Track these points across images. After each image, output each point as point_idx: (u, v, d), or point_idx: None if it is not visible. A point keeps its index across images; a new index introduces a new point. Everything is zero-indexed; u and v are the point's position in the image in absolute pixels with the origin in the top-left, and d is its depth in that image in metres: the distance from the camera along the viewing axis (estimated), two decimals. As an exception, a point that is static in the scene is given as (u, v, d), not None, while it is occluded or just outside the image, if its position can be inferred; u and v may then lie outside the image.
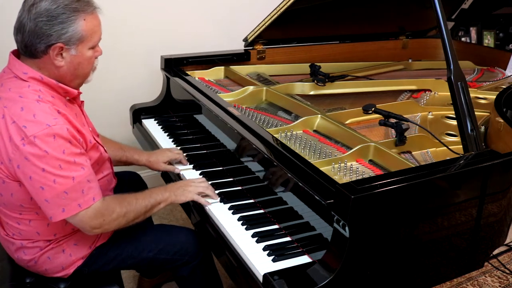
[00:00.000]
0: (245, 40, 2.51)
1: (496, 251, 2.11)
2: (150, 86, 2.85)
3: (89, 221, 1.44)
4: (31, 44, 1.40)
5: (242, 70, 2.47)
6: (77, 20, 1.41)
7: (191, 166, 1.93)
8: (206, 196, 1.69)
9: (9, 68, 1.47)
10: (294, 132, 1.84)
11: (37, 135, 1.34)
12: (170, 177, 1.97)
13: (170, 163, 1.94)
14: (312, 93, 2.31)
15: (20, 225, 1.53)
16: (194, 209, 1.73)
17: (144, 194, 1.60)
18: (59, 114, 1.41)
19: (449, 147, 1.62)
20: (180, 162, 1.95)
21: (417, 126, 1.87)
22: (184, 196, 1.66)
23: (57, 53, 1.42)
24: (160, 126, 2.29)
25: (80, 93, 1.58)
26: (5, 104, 1.39)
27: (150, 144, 2.21)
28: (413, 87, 2.36)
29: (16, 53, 1.49)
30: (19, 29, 1.41)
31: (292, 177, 1.45)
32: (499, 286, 2.36)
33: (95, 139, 1.59)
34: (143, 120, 2.37)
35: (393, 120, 1.71)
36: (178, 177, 1.92)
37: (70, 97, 1.55)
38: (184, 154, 1.99)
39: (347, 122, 1.96)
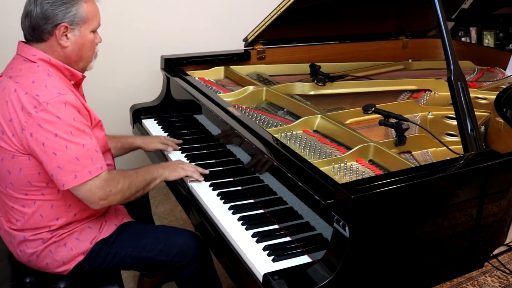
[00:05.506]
0: (245, 40, 2.51)
1: (496, 251, 2.11)
2: (150, 86, 2.86)
3: (97, 191, 1.50)
4: (38, 26, 1.50)
5: (242, 70, 2.47)
6: (79, 2, 1.52)
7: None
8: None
9: (18, 53, 1.56)
10: (294, 132, 1.84)
11: (50, 101, 1.43)
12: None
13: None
14: (312, 93, 2.31)
15: (25, 207, 1.55)
16: (194, 209, 1.73)
17: (142, 169, 1.69)
18: (67, 88, 1.50)
19: (449, 147, 1.62)
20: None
21: (417, 126, 1.87)
22: (177, 172, 1.76)
23: (63, 32, 1.52)
24: (160, 126, 2.29)
25: (84, 77, 1.65)
26: (16, 80, 1.48)
27: (150, 144, 2.20)
28: (413, 87, 2.36)
29: (24, 42, 1.57)
30: (26, 15, 1.52)
31: (292, 177, 1.45)
32: (499, 286, 2.36)
33: None
34: (143, 120, 2.37)
35: (393, 120, 1.71)
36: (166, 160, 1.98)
37: (74, 81, 1.62)
38: (184, 155, 1.99)
39: (347, 122, 1.96)
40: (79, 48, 1.56)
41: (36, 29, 1.51)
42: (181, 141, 2.08)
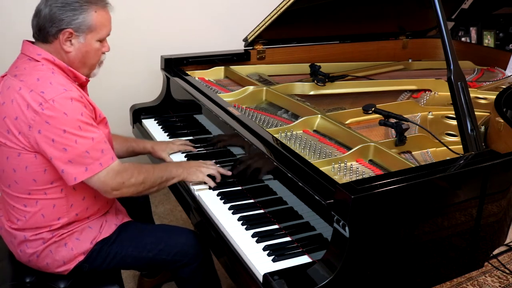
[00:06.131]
0: (245, 40, 2.51)
1: (496, 251, 2.11)
2: (150, 86, 2.86)
3: (110, 181, 1.52)
4: (44, 27, 1.51)
5: (242, 70, 2.47)
6: (89, 10, 1.52)
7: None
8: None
9: (23, 53, 1.57)
10: (294, 132, 1.84)
11: (55, 98, 1.43)
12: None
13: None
14: (312, 93, 2.31)
15: (26, 207, 1.55)
16: (194, 209, 1.73)
17: (160, 166, 1.70)
18: (72, 85, 1.51)
19: (449, 147, 1.62)
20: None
21: (417, 126, 1.87)
22: (196, 176, 1.74)
23: (67, 38, 1.51)
24: (160, 126, 2.29)
25: (88, 80, 1.65)
26: (21, 79, 1.49)
27: (150, 144, 2.20)
28: (413, 87, 2.36)
29: (29, 41, 1.58)
30: (36, 14, 1.53)
31: (292, 177, 1.45)
32: (499, 286, 2.36)
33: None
34: (143, 120, 2.37)
35: (393, 120, 1.71)
36: None
37: (78, 83, 1.61)
38: (184, 155, 1.99)
39: (347, 122, 1.96)
40: (82, 55, 1.56)
41: (42, 30, 1.51)
42: (190, 143, 2.05)
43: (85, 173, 1.48)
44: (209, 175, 1.75)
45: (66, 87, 1.47)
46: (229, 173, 1.79)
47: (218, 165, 1.82)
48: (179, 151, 2.01)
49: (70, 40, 1.52)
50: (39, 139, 1.44)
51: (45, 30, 1.50)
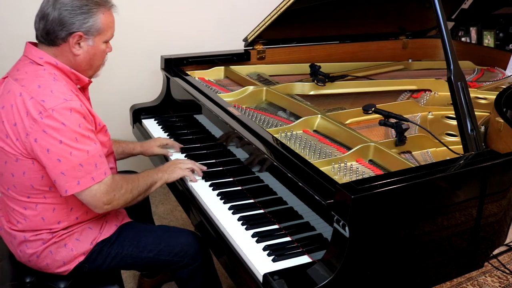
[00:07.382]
0: (245, 40, 2.51)
1: (496, 251, 2.11)
2: (150, 86, 2.86)
3: (101, 196, 1.50)
4: (53, 31, 1.49)
5: (242, 70, 2.47)
6: (97, 13, 1.52)
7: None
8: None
9: (25, 55, 1.56)
10: (294, 132, 1.84)
11: (55, 108, 1.42)
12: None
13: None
14: (312, 93, 2.31)
15: (26, 210, 1.55)
16: (194, 208, 1.73)
17: (142, 174, 1.70)
18: (73, 94, 1.50)
19: (449, 147, 1.62)
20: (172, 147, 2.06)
21: (417, 126, 1.88)
22: (176, 173, 1.77)
23: (76, 41, 1.52)
24: (160, 126, 2.30)
25: (91, 81, 1.65)
26: (22, 84, 1.47)
27: (150, 144, 2.20)
28: (413, 87, 2.36)
29: (32, 44, 1.57)
30: (42, 17, 1.50)
31: (292, 177, 1.45)
32: (499, 286, 2.36)
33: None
34: (143, 120, 2.37)
35: (393, 120, 1.71)
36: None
37: (81, 85, 1.62)
38: (184, 155, 1.99)
39: (347, 122, 1.96)
40: (90, 58, 1.56)
41: (51, 34, 1.50)
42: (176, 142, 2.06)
43: (76, 186, 1.46)
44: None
45: (67, 97, 1.45)
46: (204, 168, 1.82)
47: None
48: (167, 144, 2.03)
49: (79, 43, 1.52)
50: (35, 147, 1.43)
51: (54, 33, 1.49)
